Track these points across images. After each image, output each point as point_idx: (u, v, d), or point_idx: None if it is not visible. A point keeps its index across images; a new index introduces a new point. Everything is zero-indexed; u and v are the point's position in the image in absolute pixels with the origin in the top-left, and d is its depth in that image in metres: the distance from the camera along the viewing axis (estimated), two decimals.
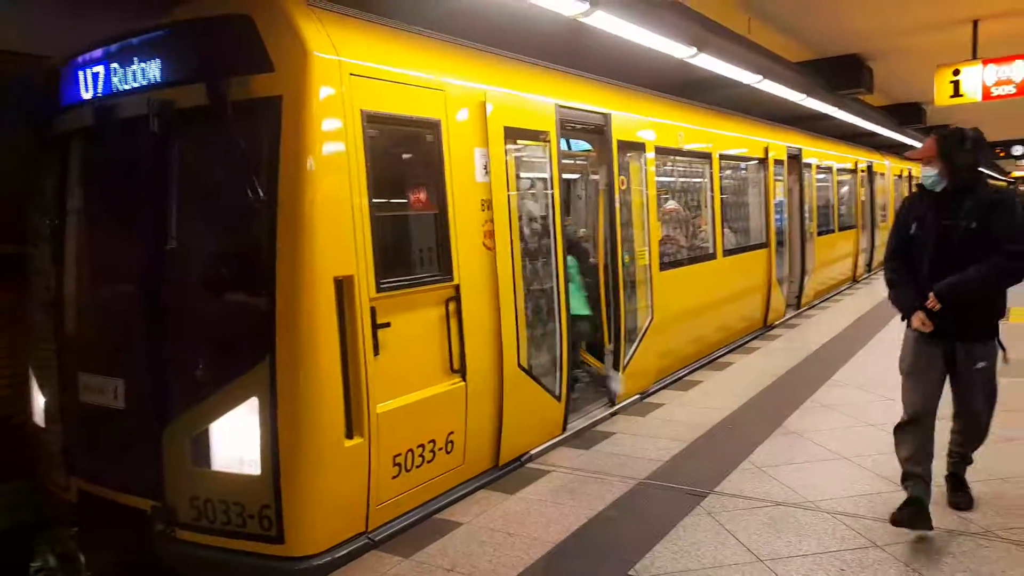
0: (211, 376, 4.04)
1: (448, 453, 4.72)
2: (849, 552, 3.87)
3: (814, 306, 12.60)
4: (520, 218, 5.54)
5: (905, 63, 12.15)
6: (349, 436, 4.01)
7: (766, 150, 10.79)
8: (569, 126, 6.25)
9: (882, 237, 18.15)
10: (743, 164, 10.48)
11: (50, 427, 4.93)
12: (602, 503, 4.66)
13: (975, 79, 10.56)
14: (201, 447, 4.03)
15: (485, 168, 5.07)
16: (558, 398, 5.81)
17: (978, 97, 10.58)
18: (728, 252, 9.38)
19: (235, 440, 3.95)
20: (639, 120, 7.31)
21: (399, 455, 4.33)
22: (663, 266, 7.51)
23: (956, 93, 10.69)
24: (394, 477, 4.31)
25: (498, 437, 5.17)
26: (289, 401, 3.83)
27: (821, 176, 13.67)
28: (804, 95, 10.51)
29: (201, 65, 4.07)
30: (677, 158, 8.54)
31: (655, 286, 7.24)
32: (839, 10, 9.18)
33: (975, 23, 10.12)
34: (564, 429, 5.92)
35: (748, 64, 8.45)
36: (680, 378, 7.85)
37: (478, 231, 4.98)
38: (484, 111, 5.10)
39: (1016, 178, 49.81)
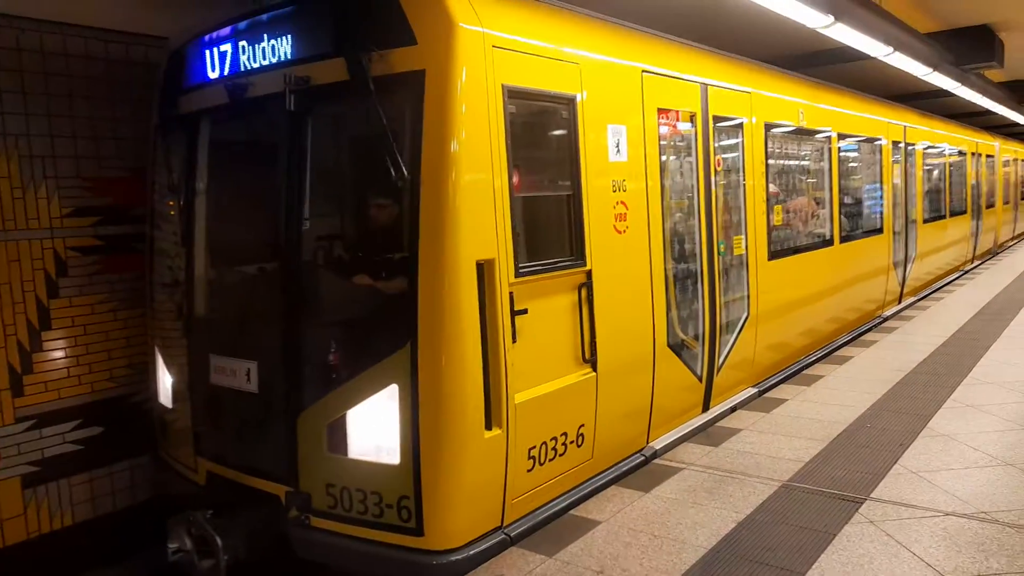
0: (349, 361, 3.93)
1: (579, 447, 4.52)
2: None
3: (924, 296, 11.95)
4: (663, 199, 5.36)
5: None
6: (488, 427, 3.84)
7: (886, 130, 10.21)
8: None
9: (988, 223, 17.44)
10: (861, 145, 10.00)
11: (177, 407, 4.95)
12: (747, 506, 4.41)
13: None
14: (338, 434, 3.92)
15: (618, 147, 4.81)
16: (700, 379, 5.87)
17: None
18: (845, 239, 8.92)
19: (374, 428, 3.83)
20: (777, 99, 7.15)
21: (533, 448, 4.14)
22: (773, 255, 7.06)
23: None
24: (528, 471, 4.13)
25: (647, 425, 5.22)
26: (430, 389, 3.68)
27: (931, 159, 13.01)
28: (930, 69, 9.71)
29: (339, 39, 3.92)
30: (798, 138, 8.14)
31: (761, 276, 6.81)
32: None
33: None
34: (705, 410, 6.06)
35: (881, 35, 7.79)
36: (797, 371, 7.48)
37: (610, 214, 4.74)
38: (633, 88, 4.99)
39: None
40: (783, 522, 4.19)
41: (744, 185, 6.60)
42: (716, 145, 6.10)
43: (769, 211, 7.00)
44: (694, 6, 7.75)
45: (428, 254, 3.67)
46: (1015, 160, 21.30)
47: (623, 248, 4.87)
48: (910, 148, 11.60)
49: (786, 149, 8.14)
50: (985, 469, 4.77)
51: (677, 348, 5.58)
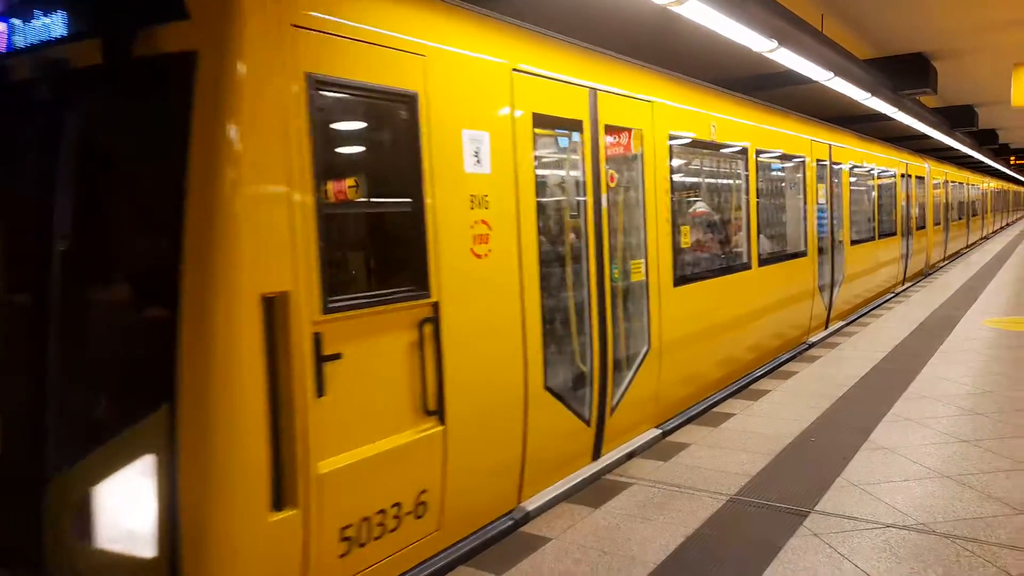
0: (100, 423, 3.09)
1: (419, 518, 3.72)
2: None
3: (853, 320, 11.42)
4: (540, 219, 4.68)
5: (973, 63, 11.35)
6: (278, 506, 3.02)
7: (810, 148, 9.76)
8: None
9: (919, 244, 17.18)
10: (783, 164, 9.49)
11: None
12: (696, 520, 4.34)
13: None
14: (83, 516, 3.05)
15: (478, 156, 4.07)
16: (588, 423, 5.12)
17: None
18: (765, 262, 8.28)
19: (125, 510, 2.98)
20: (684, 111, 6.49)
21: (349, 527, 3.33)
22: (680, 280, 6.34)
23: None
24: (342, 556, 3.30)
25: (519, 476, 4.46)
26: (194, 461, 2.85)
27: (859, 179, 12.59)
28: (869, 94, 9.80)
29: (98, 12, 3.11)
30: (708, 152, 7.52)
31: (665, 304, 6.08)
32: (915, 6, 8.55)
33: None
34: (596, 457, 5.29)
35: (822, 60, 7.81)
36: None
37: (467, 234, 3.98)
38: (500, 88, 4.30)
39: None
40: (730, 536, 4.16)
41: (644, 204, 5.87)
42: (609, 158, 5.40)
43: (675, 232, 6.29)
44: (644, 26, 7.67)
45: (194, 288, 2.85)
46: (946, 182, 21.22)
47: (485, 275, 4.11)
48: (836, 167, 11.07)
49: (696, 166, 7.59)
50: (924, 481, 4.80)
51: (558, 390, 4.82)
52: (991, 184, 34.49)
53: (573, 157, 5.14)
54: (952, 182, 22.46)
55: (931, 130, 14.94)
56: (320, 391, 3.13)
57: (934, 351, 8.60)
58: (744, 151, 7.91)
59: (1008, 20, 9.27)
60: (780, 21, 6.58)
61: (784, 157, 9.33)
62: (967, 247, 26.19)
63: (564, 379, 4.97)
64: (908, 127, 14.01)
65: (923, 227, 17.64)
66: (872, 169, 13.33)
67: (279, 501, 3.02)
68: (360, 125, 3.66)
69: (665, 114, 6.18)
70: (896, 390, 6.90)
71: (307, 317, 3.08)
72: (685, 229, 6.64)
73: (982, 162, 26.95)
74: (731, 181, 8.15)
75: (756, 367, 8.23)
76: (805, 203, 9.72)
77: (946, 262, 21.05)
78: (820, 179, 10.26)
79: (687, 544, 4.04)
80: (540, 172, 4.74)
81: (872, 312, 12.15)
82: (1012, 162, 30.39)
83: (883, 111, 11.44)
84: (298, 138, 3.07)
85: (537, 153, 4.59)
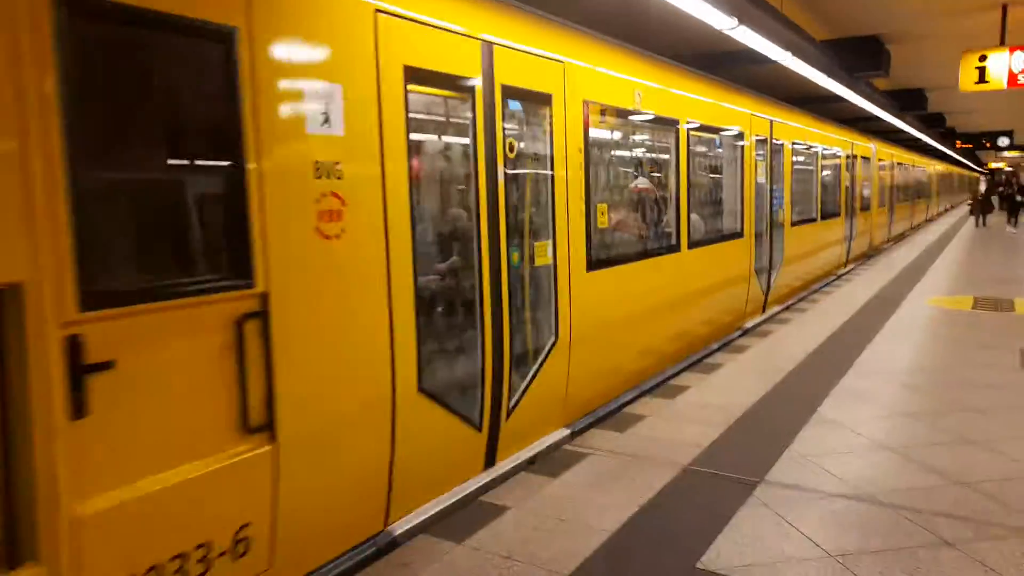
0: None
1: (239, 558, 3.02)
2: (922, 549, 3.68)
3: (791, 305, 11.03)
4: (415, 192, 4.04)
5: (925, 47, 11.54)
6: (13, 563, 2.35)
7: (749, 124, 9.27)
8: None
9: (863, 226, 16.99)
10: (718, 139, 8.97)
11: None
12: (651, 490, 4.44)
13: (1002, 65, 9.96)
14: None
15: (327, 115, 3.33)
16: (479, 427, 4.55)
17: (1004, 84, 9.97)
18: (695, 244, 7.65)
19: None
20: (603, 75, 5.83)
21: None
22: (595, 264, 5.69)
23: (982, 79, 10.02)
24: None
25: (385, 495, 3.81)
26: None
27: (802, 158, 12.18)
28: (824, 75, 9.71)
29: None
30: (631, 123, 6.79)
31: (576, 291, 5.44)
32: None
33: (1004, 8, 9.50)
34: (489, 465, 4.72)
35: (780, 39, 7.71)
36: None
37: (310, 210, 3.27)
38: (359, 33, 3.52)
39: (992, 169, 50.13)
40: (683, 505, 4.28)
41: (552, 178, 5.19)
42: (507, 125, 4.70)
43: (590, 212, 5.63)
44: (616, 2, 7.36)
45: None
46: (892, 163, 21.17)
47: (337, 259, 3.41)
48: (777, 145, 10.54)
49: (618, 138, 6.94)
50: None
51: (439, 392, 4.19)
52: (938, 167, 35.23)
53: (461, 121, 4.44)
54: (898, 164, 22.52)
55: (882, 112, 14.95)
56: (79, 411, 2.44)
57: (875, 333, 8.65)
58: (674, 124, 7.25)
59: (959, 8, 9.46)
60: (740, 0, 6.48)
61: (720, 131, 8.76)
62: (912, 228, 26.54)
63: (447, 379, 4.41)
64: (861, 108, 14.00)
65: (868, 208, 17.48)
66: (816, 148, 12.91)
67: (13, 556, 2.35)
68: (158, 67, 2.85)
69: (580, 77, 5.48)
70: (835, 375, 6.85)
71: (55, 316, 2.37)
72: (602, 208, 5.99)
73: (930, 145, 27.77)
74: (659, 156, 7.53)
75: (685, 356, 7.69)
76: (743, 182, 9.18)
77: (890, 244, 21.13)
78: (760, 156, 9.77)
79: None
80: (416, 137, 4.09)
81: (811, 296, 11.77)
82: (958, 146, 31.39)
83: (838, 92, 11.40)
84: (37, 77, 2.33)
85: (413, 115, 3.90)
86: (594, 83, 5.75)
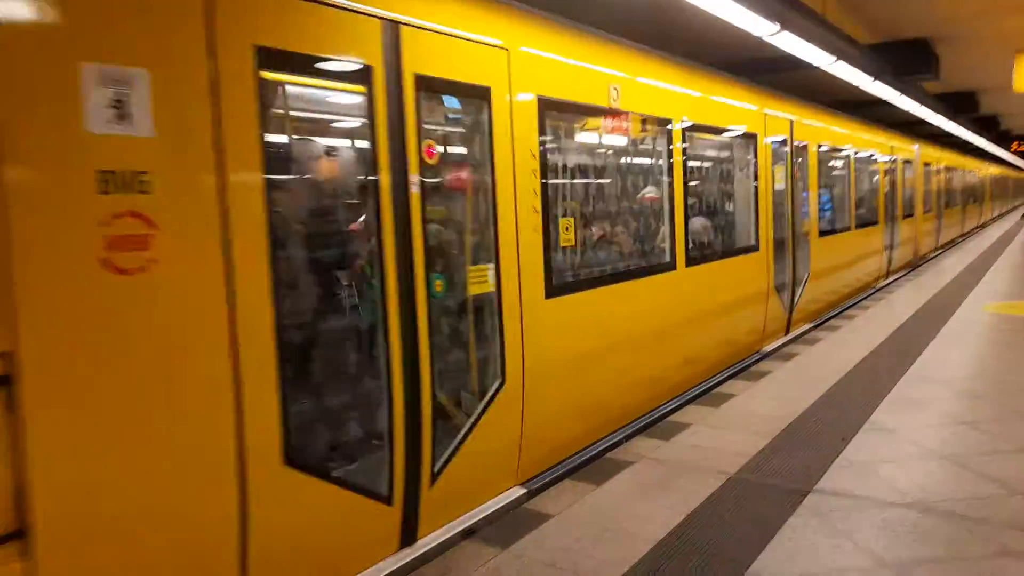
0: None
1: None
2: (984, 560, 3.59)
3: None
4: (276, 209, 3.22)
5: (976, 48, 11.28)
6: None
7: (764, 124, 8.42)
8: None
9: (905, 234, 16.01)
10: (725, 142, 8.24)
11: None
12: (697, 499, 4.38)
13: None
14: None
15: (122, 108, 2.62)
16: (390, 501, 3.75)
17: None
18: (695, 260, 6.78)
19: None
20: (564, 65, 5.02)
21: None
22: (557, 289, 4.87)
23: None
24: None
25: None
26: None
27: (831, 161, 11.33)
28: (872, 79, 9.51)
29: None
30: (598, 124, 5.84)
31: (532, 323, 4.59)
32: None
33: None
34: (408, 544, 3.89)
35: (825, 44, 7.51)
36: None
37: (92, 235, 2.55)
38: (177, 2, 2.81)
39: None
40: (730, 514, 4.20)
41: (495, 189, 4.34)
42: (427, 124, 3.91)
43: (550, 227, 4.78)
44: (647, 7, 7.19)
45: None
46: (938, 166, 20.00)
47: (140, 300, 2.65)
48: (800, 147, 9.62)
49: (589, 141, 6.16)
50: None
51: (318, 462, 3.52)
52: (991, 170, 34.13)
53: (355, 119, 3.88)
54: (946, 167, 21.41)
55: (933, 115, 14.58)
56: None
57: (926, 342, 8.31)
58: (665, 124, 6.37)
59: (1010, 6, 9.23)
60: (781, 4, 6.33)
61: (725, 132, 7.91)
62: (963, 235, 25.40)
63: (334, 445, 3.78)
64: (910, 113, 13.72)
65: (912, 215, 16.49)
66: (846, 151, 11.98)
67: None
68: None
69: (531, 67, 4.65)
70: (877, 396, 6.34)
71: None
72: (567, 223, 5.29)
73: (984, 148, 26.99)
74: (646, 162, 6.66)
75: (688, 387, 6.80)
76: (756, 189, 8.30)
77: (938, 252, 20.10)
78: (778, 160, 8.86)
79: None
80: (277, 139, 3.55)
81: (848, 312, 10.80)
82: (1014, 149, 30.42)
83: (885, 97, 11.16)
84: None
85: (278, 110, 3.37)
86: (552, 75, 4.88)
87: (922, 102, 13.04)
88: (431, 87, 3.95)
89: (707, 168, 8.15)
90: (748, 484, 4.63)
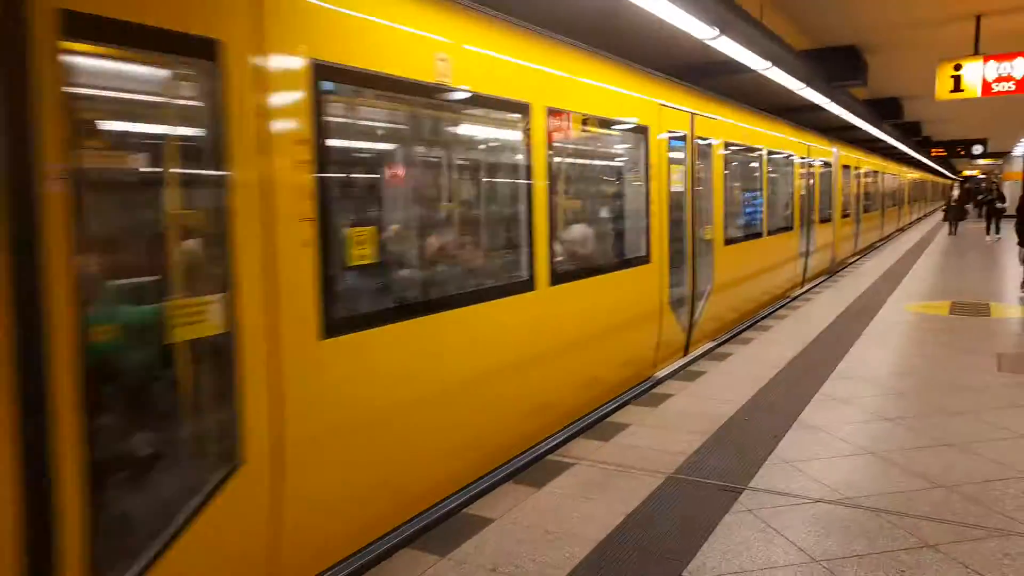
0: None
1: None
2: (904, 552, 3.76)
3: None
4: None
5: (902, 57, 11.83)
6: None
7: (658, 116, 7.23)
8: None
9: (823, 239, 15.20)
10: (606, 136, 6.91)
11: None
12: (636, 499, 4.44)
13: (976, 75, 10.32)
14: None
15: None
16: None
17: (978, 92, 10.33)
18: (562, 278, 5.54)
19: None
20: (350, 18, 3.73)
21: None
22: (337, 325, 3.57)
23: (957, 88, 10.36)
24: None
25: None
26: None
27: (738, 161, 10.31)
28: (803, 85, 9.94)
29: None
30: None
31: (291, 378, 3.33)
32: (849, 1, 8.77)
33: (978, 19, 9.82)
34: None
35: (760, 49, 7.80)
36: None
37: None
38: None
39: (966, 176, 50.94)
40: (668, 513, 4.28)
41: (223, 187, 3.05)
42: (73, 85, 2.58)
43: (330, 239, 3.54)
44: (590, 9, 7.23)
45: None
46: (858, 169, 19.49)
47: None
48: (703, 145, 8.46)
49: (402, 125, 4.84)
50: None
51: None
52: (911, 174, 35.30)
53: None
54: (866, 169, 21.01)
55: (861, 121, 15.23)
56: None
57: (849, 344, 8.33)
58: (520, 109, 5.10)
59: (935, 18, 9.68)
60: (722, 9, 6.56)
61: (608, 124, 6.56)
62: (882, 239, 25.15)
63: None
64: (840, 118, 14.27)
65: (829, 219, 15.91)
66: (759, 150, 11.07)
67: None
68: None
69: (299, 19, 3.42)
70: (780, 428, 5.64)
71: None
72: (362, 234, 3.86)
73: (906, 153, 28.20)
74: (489, 158, 5.54)
75: (544, 435, 5.46)
76: (648, 191, 7.05)
77: (857, 257, 19.64)
78: (675, 159, 7.64)
79: None
80: None
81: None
82: (932, 154, 31.93)
83: (817, 102, 11.60)
84: None
85: None
86: (338, 32, 3.64)
87: (850, 108, 13.56)
88: (82, 30, 2.59)
89: (583, 166, 6.88)
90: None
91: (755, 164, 11.13)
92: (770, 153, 11.59)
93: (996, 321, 10.02)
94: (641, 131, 7.02)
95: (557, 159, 5.67)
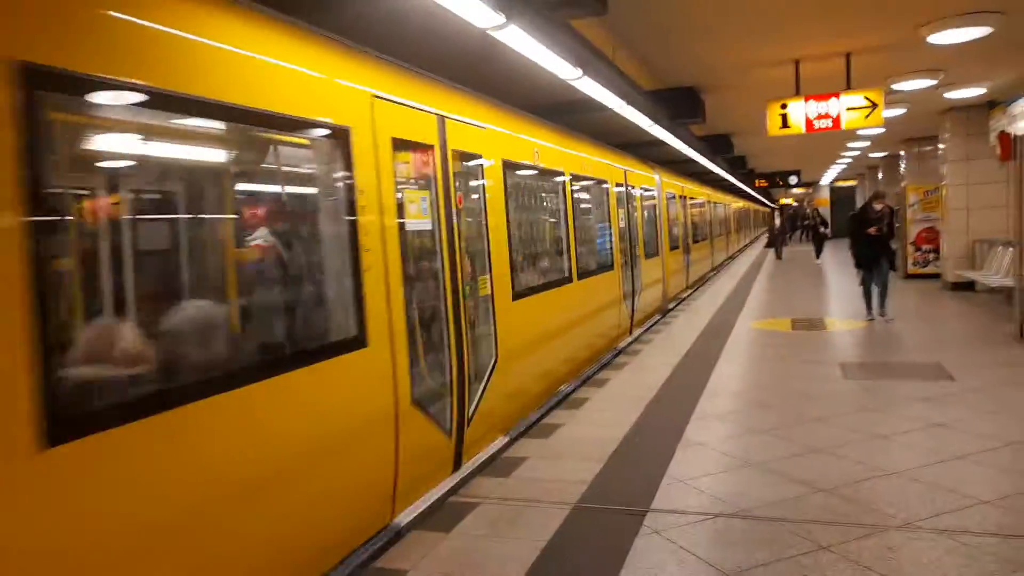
0: None
1: None
2: (803, 556, 3.94)
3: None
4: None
5: (732, 97, 12.80)
6: None
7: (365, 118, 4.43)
8: None
9: (650, 276, 13.32)
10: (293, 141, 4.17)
11: None
12: (547, 532, 4.41)
13: (799, 113, 11.30)
14: None
15: None
16: None
17: (803, 128, 11.31)
18: (240, 379, 3.29)
19: None
20: None
21: None
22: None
23: (784, 124, 11.31)
24: None
25: None
26: None
27: (528, 189, 7.77)
28: (652, 123, 10.63)
29: None
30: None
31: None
32: (686, 45, 9.50)
33: (797, 63, 10.81)
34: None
35: (617, 89, 8.18)
36: None
37: None
38: None
39: (783, 204, 55.63)
40: (581, 544, 4.30)
41: None
42: None
43: None
44: (463, 49, 7.09)
45: None
46: (683, 197, 18.07)
47: None
48: (468, 166, 5.97)
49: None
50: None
51: None
52: (737, 203, 37.35)
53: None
54: (692, 198, 19.89)
55: (698, 155, 16.43)
56: None
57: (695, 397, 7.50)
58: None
59: (762, 61, 10.67)
60: (584, 51, 6.87)
61: (299, 126, 3.96)
62: (713, 270, 24.10)
63: None
64: (681, 152, 15.35)
65: (656, 253, 14.24)
66: (558, 174, 8.53)
67: None
68: None
69: None
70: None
71: None
72: None
73: (734, 184, 30.61)
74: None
75: None
76: (353, 233, 4.19)
77: (690, 292, 18.06)
78: (412, 182, 4.97)
79: None
80: None
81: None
82: (756, 185, 34.98)
83: (663, 138, 12.45)
84: None
85: None
86: None
87: (689, 143, 14.61)
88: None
89: (274, 198, 4.27)
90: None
91: (551, 192, 8.49)
92: (575, 178, 9.09)
93: (832, 334, 11.07)
94: (339, 135, 4.19)
95: (209, 192, 3.56)
